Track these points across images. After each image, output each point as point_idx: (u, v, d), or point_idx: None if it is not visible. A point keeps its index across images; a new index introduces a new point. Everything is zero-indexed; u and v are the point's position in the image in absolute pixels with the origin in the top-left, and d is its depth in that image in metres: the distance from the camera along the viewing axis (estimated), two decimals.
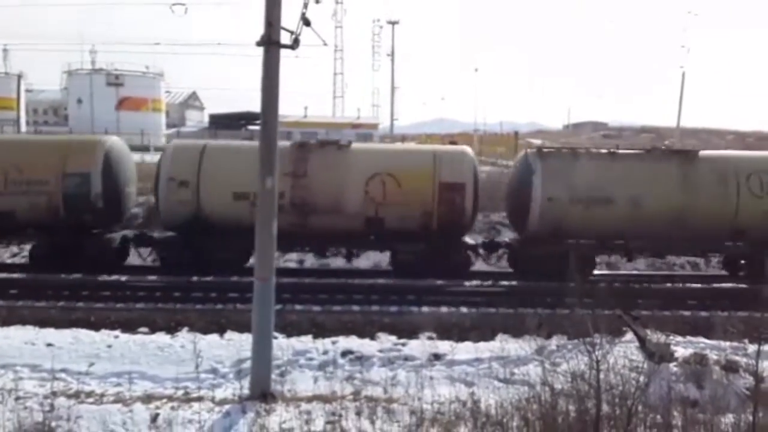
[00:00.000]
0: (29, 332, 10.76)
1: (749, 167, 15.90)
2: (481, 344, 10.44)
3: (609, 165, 15.87)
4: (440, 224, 15.55)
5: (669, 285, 16.03)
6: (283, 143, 16.99)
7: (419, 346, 10.31)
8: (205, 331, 11.01)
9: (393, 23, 58.55)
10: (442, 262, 15.72)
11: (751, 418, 6.38)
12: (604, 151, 16.79)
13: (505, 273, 16.62)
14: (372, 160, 15.92)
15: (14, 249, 18.30)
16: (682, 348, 9.52)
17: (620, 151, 16.65)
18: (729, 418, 6.98)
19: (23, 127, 50.91)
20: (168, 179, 15.61)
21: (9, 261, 17.88)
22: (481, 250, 16.94)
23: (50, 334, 10.63)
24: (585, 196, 15.40)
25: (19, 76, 54.31)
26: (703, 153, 16.57)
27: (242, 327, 10.53)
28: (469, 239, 16.89)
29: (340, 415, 7.52)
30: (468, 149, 17.05)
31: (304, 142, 16.29)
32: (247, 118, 58.79)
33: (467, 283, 15.37)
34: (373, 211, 15.40)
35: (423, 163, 15.82)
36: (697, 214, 15.42)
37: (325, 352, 10.01)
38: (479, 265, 17.16)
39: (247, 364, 8.77)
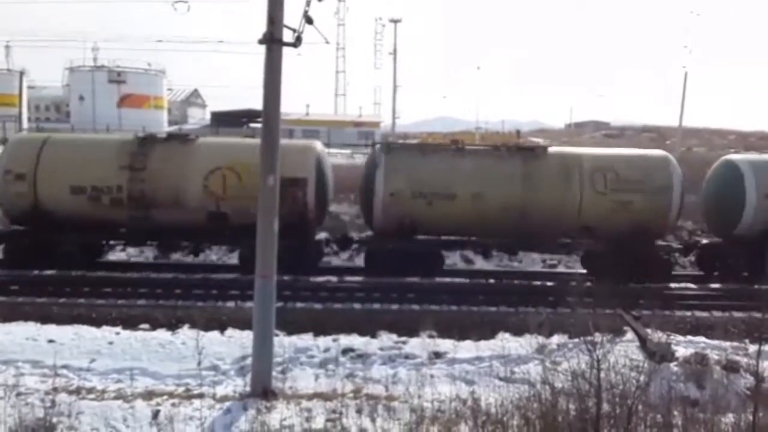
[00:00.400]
0: (31, 328, 10.78)
1: (594, 164, 15.88)
2: (482, 343, 10.44)
3: (454, 161, 15.90)
4: (283, 220, 15.32)
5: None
6: (125, 137, 17.08)
7: (420, 344, 10.32)
8: (206, 328, 11.03)
9: (395, 21, 58.32)
10: (290, 258, 15.58)
11: (751, 417, 6.39)
12: (452, 147, 16.88)
13: (359, 268, 16.64)
14: (214, 154, 15.82)
15: None
16: (683, 348, 9.53)
17: (467, 147, 16.72)
18: (729, 418, 6.99)
19: (25, 124, 50.87)
20: (5, 172, 15.72)
21: None
22: (334, 246, 16.96)
23: (52, 330, 10.66)
24: (428, 191, 15.39)
25: (21, 73, 54.20)
26: (551, 150, 16.59)
27: (242, 324, 10.57)
28: (323, 234, 16.91)
29: (341, 413, 7.53)
30: (315, 144, 16.76)
31: (147, 136, 16.28)
32: (249, 115, 58.69)
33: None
34: (215, 205, 15.36)
35: None
36: (540, 210, 15.45)
37: (326, 350, 10.03)
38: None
39: (248, 361, 8.78)
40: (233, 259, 18.02)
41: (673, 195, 15.73)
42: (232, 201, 15.24)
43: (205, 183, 15.32)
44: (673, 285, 16.04)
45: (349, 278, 15.73)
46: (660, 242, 16.43)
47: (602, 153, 17.50)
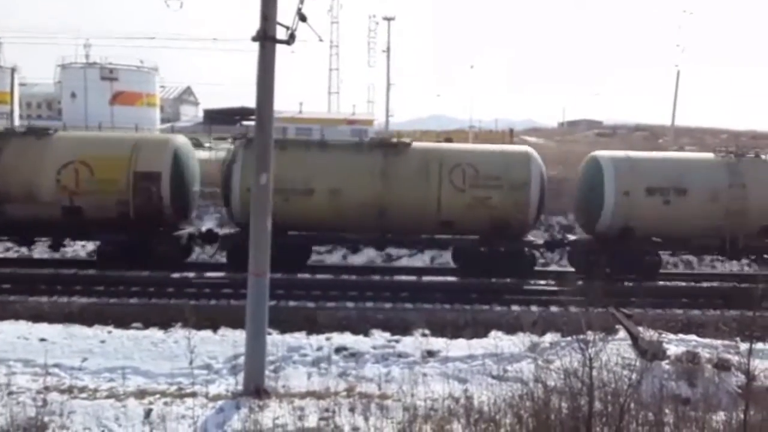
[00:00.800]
0: (22, 327, 10.74)
1: (453, 160, 15.77)
2: (474, 341, 10.46)
3: (313, 156, 15.85)
4: (138, 214, 15.44)
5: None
6: None
7: (413, 343, 10.33)
8: (199, 327, 10.99)
9: (389, 19, 58.39)
10: (148, 253, 15.59)
11: (742, 416, 6.41)
12: (315, 142, 16.73)
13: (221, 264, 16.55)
14: (67, 148, 15.81)
15: None
16: (675, 346, 9.56)
17: (328, 142, 16.69)
18: (720, 416, 7.01)
19: (16, 121, 50.61)
20: None
21: None
22: (199, 241, 16.80)
23: (43, 328, 10.61)
24: (285, 187, 15.07)
25: (13, 70, 53.83)
26: (414, 145, 16.48)
27: (235, 323, 10.54)
28: (190, 229, 16.81)
29: (334, 412, 7.53)
30: (174, 138, 16.76)
31: (4, 131, 16.45)
32: (242, 113, 58.65)
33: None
34: (68, 200, 15.34)
35: (119, 151, 15.77)
36: (400, 206, 15.36)
37: (319, 348, 10.02)
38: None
39: (241, 360, 8.76)
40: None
41: (531, 191, 15.59)
42: (86, 195, 15.31)
43: (58, 177, 15.32)
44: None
45: (209, 274, 15.64)
46: (530, 238, 16.54)
47: (462, 149, 17.53)
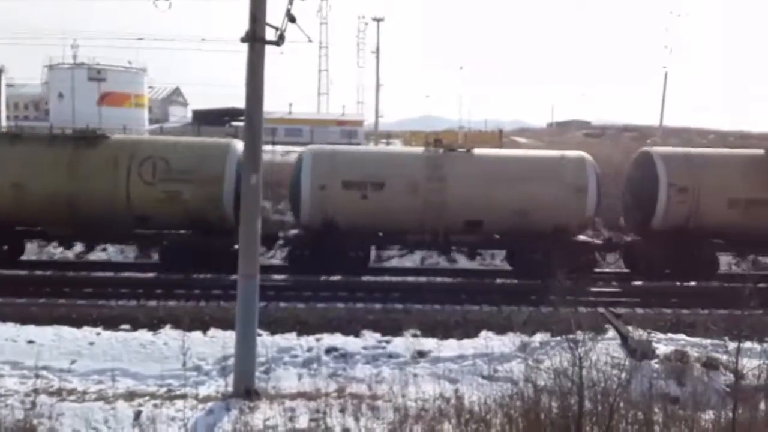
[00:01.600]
0: (10, 329, 10.64)
1: (145, 153, 15.57)
2: (465, 341, 10.47)
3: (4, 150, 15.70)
4: None
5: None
6: None
7: (403, 343, 10.32)
8: (189, 328, 10.94)
9: (378, 20, 58.26)
10: None
11: (731, 414, 6.46)
12: (4, 134, 16.67)
13: None
14: None
15: None
16: (664, 345, 9.61)
17: (21, 135, 16.55)
18: (709, 415, 7.06)
19: (3, 122, 50.19)
20: None
21: None
22: None
23: (31, 330, 10.53)
24: None
25: (0, 70, 53.52)
26: (111, 138, 16.32)
27: (225, 324, 10.51)
28: None
29: (325, 413, 7.52)
30: None
31: None
32: (231, 114, 58.39)
33: None
34: None
35: None
36: (90, 200, 15.18)
37: (310, 349, 10.00)
38: None
39: (231, 362, 8.73)
40: None
41: (225, 185, 15.36)
42: None
43: None
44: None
45: None
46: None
47: (157, 142, 17.43)
